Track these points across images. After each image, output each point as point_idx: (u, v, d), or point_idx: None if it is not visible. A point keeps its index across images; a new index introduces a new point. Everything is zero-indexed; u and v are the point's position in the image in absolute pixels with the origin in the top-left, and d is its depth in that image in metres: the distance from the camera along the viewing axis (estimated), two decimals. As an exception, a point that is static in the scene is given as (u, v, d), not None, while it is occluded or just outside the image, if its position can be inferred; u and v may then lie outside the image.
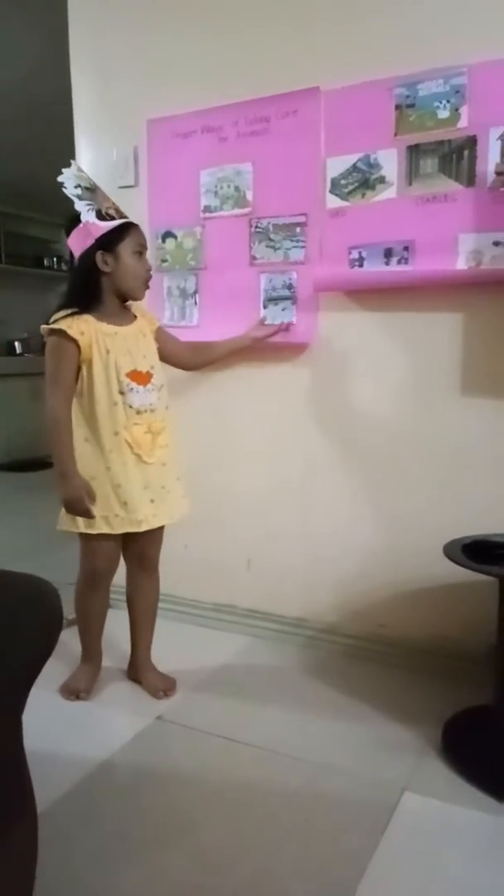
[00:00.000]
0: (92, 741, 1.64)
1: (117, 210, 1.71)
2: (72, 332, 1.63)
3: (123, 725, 1.70)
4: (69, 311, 1.67)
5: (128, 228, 1.70)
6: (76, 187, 1.68)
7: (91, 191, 1.69)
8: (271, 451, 2.13)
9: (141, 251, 1.72)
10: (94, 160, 2.30)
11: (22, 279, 5.70)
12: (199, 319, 2.17)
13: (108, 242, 1.66)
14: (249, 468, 2.17)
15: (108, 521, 1.70)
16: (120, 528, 1.71)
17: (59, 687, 1.85)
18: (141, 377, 1.71)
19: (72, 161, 1.74)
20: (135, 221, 1.74)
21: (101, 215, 1.67)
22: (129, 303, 1.79)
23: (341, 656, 2.04)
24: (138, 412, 1.70)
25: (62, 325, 1.64)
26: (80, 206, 1.67)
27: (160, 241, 2.20)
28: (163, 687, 1.84)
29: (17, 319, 5.52)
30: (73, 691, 1.83)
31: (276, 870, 1.24)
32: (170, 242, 2.19)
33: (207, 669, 1.98)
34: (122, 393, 1.68)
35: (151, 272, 1.76)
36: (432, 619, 1.92)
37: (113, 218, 1.68)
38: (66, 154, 2.34)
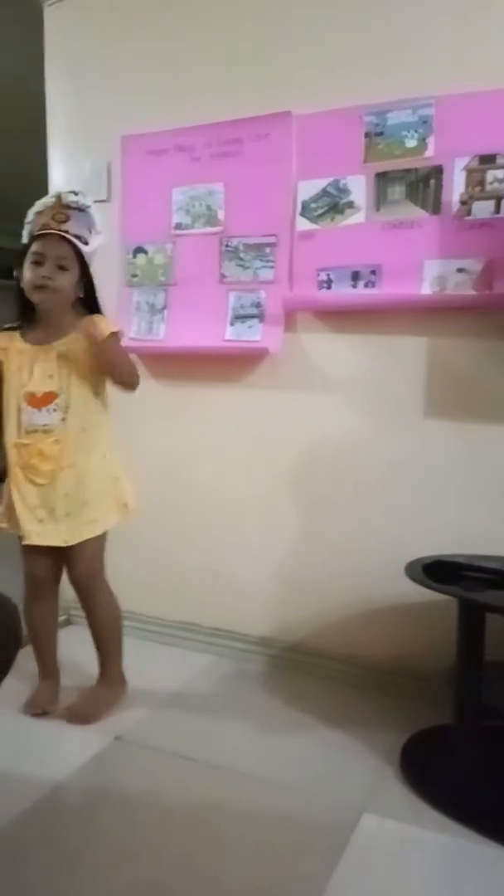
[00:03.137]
0: (49, 761, 1.61)
1: (44, 225, 1.66)
2: None
3: (81, 745, 1.67)
4: (8, 325, 1.76)
5: (32, 241, 1.67)
6: (31, 216, 1.70)
7: (40, 213, 1.69)
8: (235, 469, 2.13)
9: (37, 260, 1.65)
10: (68, 174, 2.30)
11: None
12: (165, 334, 2.17)
13: (20, 259, 1.70)
14: (214, 484, 2.16)
15: (9, 517, 1.75)
16: (11, 529, 1.75)
17: (22, 704, 1.81)
18: (34, 399, 1.70)
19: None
20: (59, 231, 1.65)
21: (29, 236, 1.70)
22: (89, 316, 1.69)
23: (305, 675, 2.04)
24: (27, 431, 1.71)
25: None
26: (24, 233, 1.72)
27: (131, 256, 2.20)
28: (71, 710, 1.77)
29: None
30: (39, 705, 1.79)
31: (231, 893, 1.23)
32: (140, 258, 2.19)
33: (169, 688, 1.96)
34: (19, 410, 1.71)
35: (44, 280, 1.64)
36: (394, 638, 1.94)
37: (32, 234, 1.69)
38: (38, 166, 2.35)
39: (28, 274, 1.67)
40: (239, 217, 2.03)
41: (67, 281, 1.68)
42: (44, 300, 1.68)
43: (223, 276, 2.07)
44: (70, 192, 1.71)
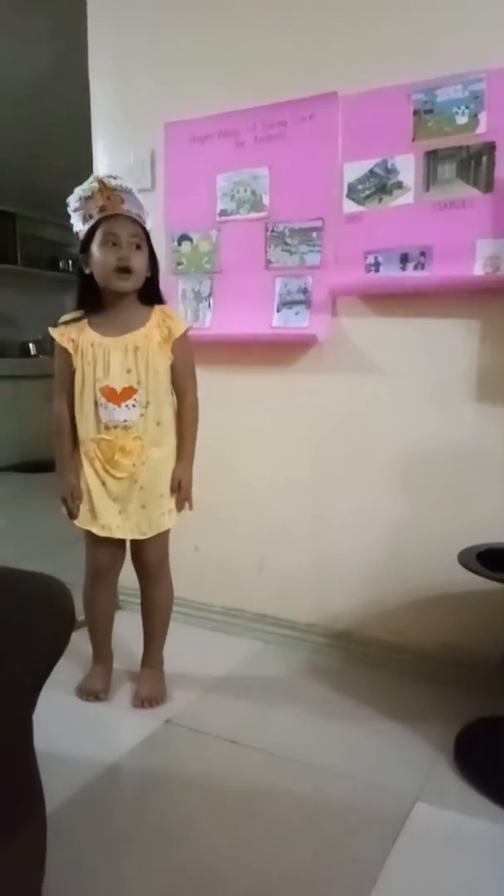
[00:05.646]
0: (101, 743, 1.64)
1: (102, 207, 1.64)
2: (62, 341, 1.70)
3: (133, 728, 1.70)
4: (70, 316, 1.73)
5: (99, 223, 1.64)
6: (77, 202, 1.68)
7: (88, 198, 1.65)
8: (283, 454, 2.12)
9: (112, 241, 1.63)
10: (112, 163, 2.31)
11: (37, 281, 5.73)
12: (211, 321, 2.16)
13: (84, 244, 1.67)
14: (261, 471, 2.16)
15: (84, 515, 1.75)
16: (87, 525, 1.75)
17: (75, 688, 1.85)
18: (114, 395, 1.68)
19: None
20: (119, 212, 1.64)
21: (85, 219, 1.67)
22: (159, 307, 1.74)
23: (352, 663, 2.03)
24: (107, 427, 1.69)
25: (54, 332, 1.71)
26: (74, 219, 1.69)
27: (176, 243, 2.20)
28: (145, 696, 1.80)
29: (32, 321, 5.54)
30: (91, 692, 1.82)
31: (281, 876, 1.23)
32: (185, 245, 2.19)
33: (217, 674, 1.97)
34: (96, 405, 1.69)
35: (126, 261, 1.63)
36: (444, 626, 1.91)
37: (93, 217, 1.65)
38: (83, 157, 2.37)
39: (105, 257, 1.62)
40: (284, 201, 2.01)
41: (143, 261, 1.68)
42: (125, 282, 1.65)
43: (269, 262, 2.06)
44: (109, 176, 1.69)
